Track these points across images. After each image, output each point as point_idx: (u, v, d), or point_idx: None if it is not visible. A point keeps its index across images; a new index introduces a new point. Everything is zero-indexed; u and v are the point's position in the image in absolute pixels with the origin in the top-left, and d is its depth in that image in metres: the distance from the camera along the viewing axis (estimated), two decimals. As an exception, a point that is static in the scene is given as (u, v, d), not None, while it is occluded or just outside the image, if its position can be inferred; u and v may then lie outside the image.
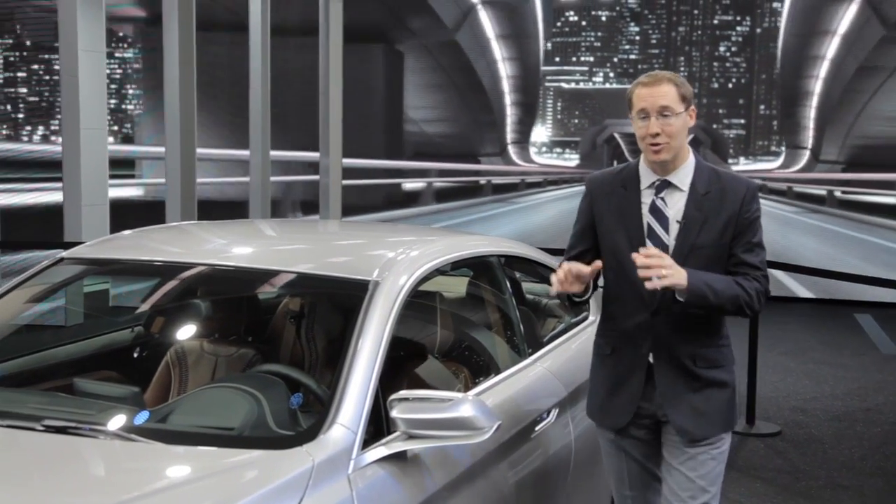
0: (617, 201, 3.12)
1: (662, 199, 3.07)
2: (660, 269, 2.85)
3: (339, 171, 12.05)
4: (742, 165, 12.92)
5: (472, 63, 11.26)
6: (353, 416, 2.59)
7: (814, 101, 11.83)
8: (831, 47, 11.89)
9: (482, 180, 12.16)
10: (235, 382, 2.92)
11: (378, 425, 2.67)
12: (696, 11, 12.25)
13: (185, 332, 3.60)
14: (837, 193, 12.01)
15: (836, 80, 11.92)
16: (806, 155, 12.20)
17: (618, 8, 12.25)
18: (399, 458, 2.62)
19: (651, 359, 3.10)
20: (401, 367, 3.25)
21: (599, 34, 12.31)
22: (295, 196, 12.45)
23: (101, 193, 8.44)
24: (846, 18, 11.60)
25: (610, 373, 3.20)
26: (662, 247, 3.01)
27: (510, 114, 12.23)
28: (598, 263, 3.03)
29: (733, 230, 3.04)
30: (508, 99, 12.13)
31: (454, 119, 11.69)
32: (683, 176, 3.07)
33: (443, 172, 11.92)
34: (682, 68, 12.64)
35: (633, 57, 12.73)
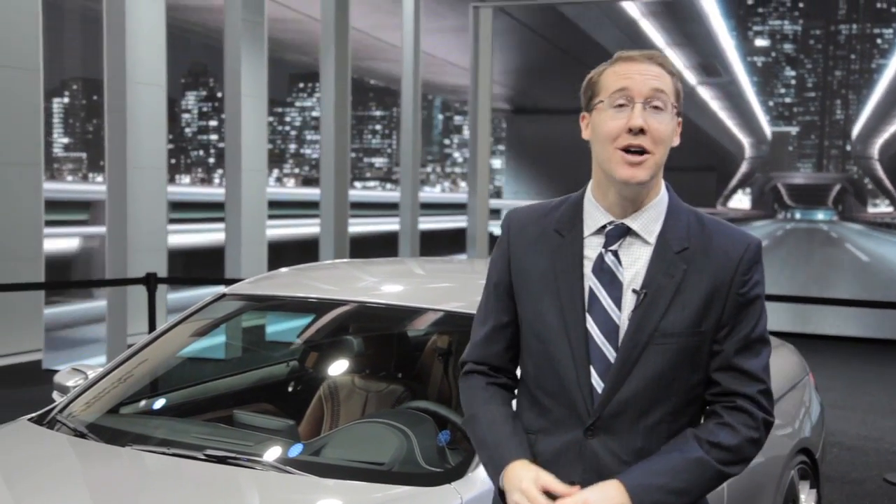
0: (548, 253, 2.05)
1: (615, 253, 2.00)
2: None
3: (486, 211, 12.17)
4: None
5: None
6: (500, 455, 2.61)
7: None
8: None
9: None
10: (385, 418, 2.99)
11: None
12: (853, 56, 11.98)
13: (338, 367, 3.70)
14: None
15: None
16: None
17: (773, 53, 12.10)
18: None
19: None
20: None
21: (755, 79, 12.19)
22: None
23: (259, 232, 8.79)
24: None
25: None
26: (611, 327, 1.97)
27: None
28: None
29: (720, 312, 1.97)
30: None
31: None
32: (650, 220, 2.01)
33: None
34: (838, 111, 12.32)
35: (788, 100, 12.55)
